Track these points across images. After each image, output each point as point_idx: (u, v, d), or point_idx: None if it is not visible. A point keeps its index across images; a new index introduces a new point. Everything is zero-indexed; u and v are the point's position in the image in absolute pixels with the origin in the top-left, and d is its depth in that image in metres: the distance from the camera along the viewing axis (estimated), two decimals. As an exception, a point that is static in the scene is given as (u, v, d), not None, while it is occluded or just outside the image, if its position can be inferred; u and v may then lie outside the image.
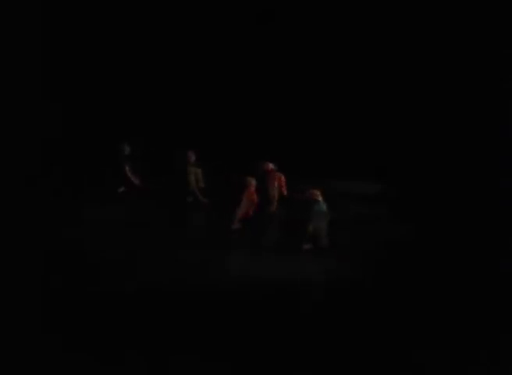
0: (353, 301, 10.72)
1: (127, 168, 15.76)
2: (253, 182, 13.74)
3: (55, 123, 17.75)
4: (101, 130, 18.07)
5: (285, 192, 14.85)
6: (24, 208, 13.96)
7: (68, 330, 9.43)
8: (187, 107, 18.82)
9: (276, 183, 14.76)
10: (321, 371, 8.80)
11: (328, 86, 18.41)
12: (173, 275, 11.57)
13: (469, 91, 17.93)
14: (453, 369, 8.94)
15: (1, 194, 14.38)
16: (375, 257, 12.59)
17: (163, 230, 13.71)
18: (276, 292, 10.97)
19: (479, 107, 17.96)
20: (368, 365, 8.92)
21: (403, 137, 17.84)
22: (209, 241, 13.14)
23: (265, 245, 13.14)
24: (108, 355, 8.92)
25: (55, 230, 13.27)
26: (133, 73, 18.72)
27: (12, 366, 8.56)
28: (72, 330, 9.43)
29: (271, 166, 14.78)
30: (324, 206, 12.58)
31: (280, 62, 18.66)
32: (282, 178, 14.84)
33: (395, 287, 11.30)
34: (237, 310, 10.25)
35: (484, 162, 17.14)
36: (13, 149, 16.49)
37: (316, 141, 16.60)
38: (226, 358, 8.98)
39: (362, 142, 17.96)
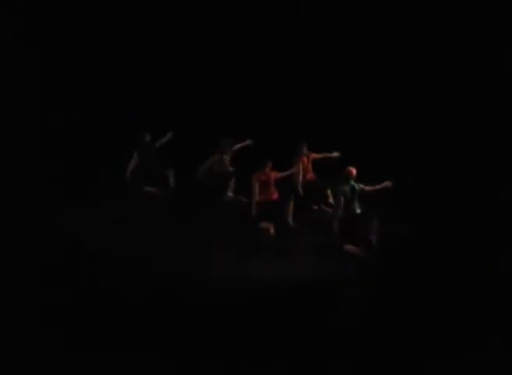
0: (353, 301, 10.74)
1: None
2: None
3: (55, 122, 17.74)
4: (101, 130, 18.05)
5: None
6: (24, 208, 14.02)
7: (68, 330, 9.44)
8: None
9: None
10: (321, 372, 8.82)
11: (328, 86, 18.42)
12: (173, 275, 11.59)
13: (469, 91, 17.93)
14: (454, 368, 8.97)
15: (1, 194, 14.43)
16: (375, 256, 12.62)
17: (164, 230, 13.74)
18: (276, 292, 10.99)
19: (479, 107, 17.96)
20: (368, 367, 8.93)
21: (405, 137, 17.84)
22: (209, 241, 13.17)
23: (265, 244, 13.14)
24: (108, 355, 8.93)
25: (54, 229, 13.28)
26: (142, 73, 18.53)
27: (11, 366, 8.58)
28: (72, 330, 9.44)
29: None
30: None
31: (280, 62, 18.68)
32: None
33: (395, 287, 11.32)
34: (237, 310, 10.27)
35: (484, 162, 17.14)
36: (14, 148, 16.54)
37: (316, 141, 16.54)
38: (225, 358, 8.99)
39: (362, 142, 17.95)
